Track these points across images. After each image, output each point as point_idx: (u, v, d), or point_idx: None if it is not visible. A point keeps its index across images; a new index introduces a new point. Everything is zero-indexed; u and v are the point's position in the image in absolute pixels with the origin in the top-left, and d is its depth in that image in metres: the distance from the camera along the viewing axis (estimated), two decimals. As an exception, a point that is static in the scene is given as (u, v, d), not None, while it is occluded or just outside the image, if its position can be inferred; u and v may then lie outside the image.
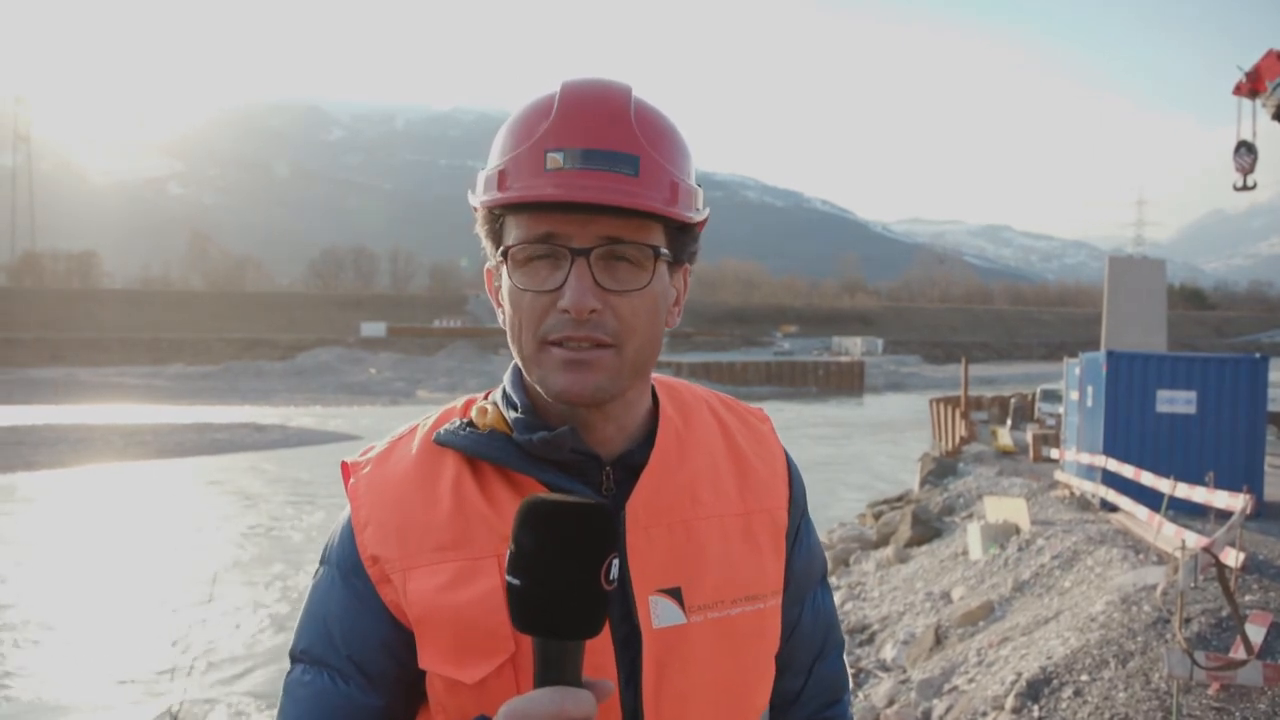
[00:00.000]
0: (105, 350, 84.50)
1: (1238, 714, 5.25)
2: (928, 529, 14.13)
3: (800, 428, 38.57)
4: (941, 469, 19.69)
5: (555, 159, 1.03)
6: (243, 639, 11.30)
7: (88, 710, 9.28)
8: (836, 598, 11.93)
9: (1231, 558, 7.58)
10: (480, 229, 1.12)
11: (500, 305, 1.12)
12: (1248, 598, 7.40)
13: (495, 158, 1.08)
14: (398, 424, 1.23)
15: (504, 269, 1.08)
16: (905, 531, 14.18)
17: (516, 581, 0.88)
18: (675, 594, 1.10)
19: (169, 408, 46.46)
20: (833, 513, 19.06)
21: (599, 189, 1.01)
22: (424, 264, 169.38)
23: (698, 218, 1.10)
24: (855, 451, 31.49)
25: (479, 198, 1.08)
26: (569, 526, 0.88)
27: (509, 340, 1.10)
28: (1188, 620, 6.58)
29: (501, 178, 1.06)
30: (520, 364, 1.11)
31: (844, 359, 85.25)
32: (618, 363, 1.06)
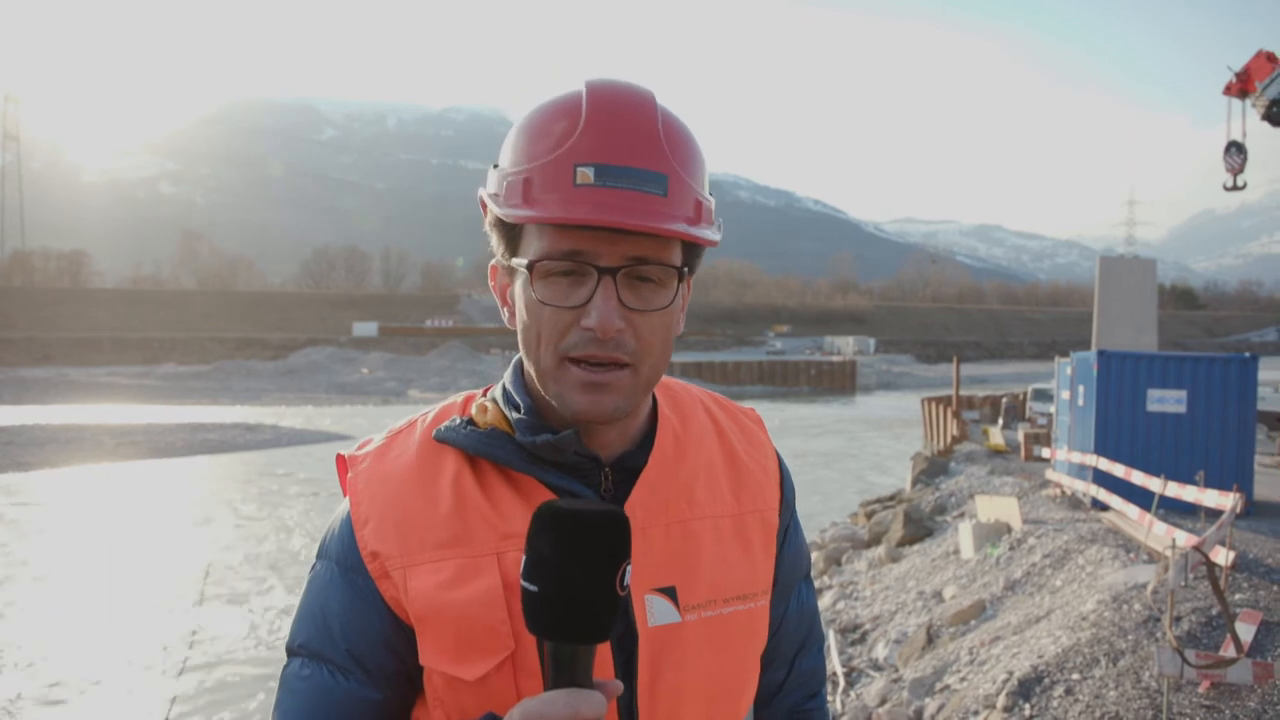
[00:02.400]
0: (96, 350, 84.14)
1: (1228, 712, 5.26)
2: (920, 528, 14.15)
3: (793, 427, 38.61)
4: (933, 468, 19.73)
5: (585, 174, 1.01)
6: (234, 638, 11.27)
7: (80, 710, 9.24)
8: (829, 597, 11.97)
9: (1221, 556, 7.60)
10: (490, 228, 1.10)
11: (508, 304, 1.12)
12: (1238, 596, 7.43)
13: (516, 161, 1.06)
14: (389, 423, 1.23)
15: (520, 276, 1.07)
16: (897, 531, 14.21)
17: (534, 587, 0.89)
18: (670, 593, 1.11)
19: (160, 407, 46.30)
20: (825, 512, 19.08)
21: (630, 211, 1.00)
22: (416, 264, 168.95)
23: (718, 237, 1.10)
24: (848, 451, 31.54)
25: (503, 208, 1.04)
26: (588, 535, 0.89)
27: (522, 348, 1.10)
28: (1178, 618, 6.60)
29: (527, 187, 1.03)
30: (535, 375, 1.10)
31: (836, 359, 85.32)
32: (634, 382, 1.06)
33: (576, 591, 0.88)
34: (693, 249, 1.11)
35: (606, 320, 1.01)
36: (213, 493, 22.59)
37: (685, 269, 1.08)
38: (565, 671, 0.90)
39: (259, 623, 11.84)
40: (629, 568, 0.91)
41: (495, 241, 1.11)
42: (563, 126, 1.04)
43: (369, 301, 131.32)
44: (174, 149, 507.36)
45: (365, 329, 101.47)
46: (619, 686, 0.95)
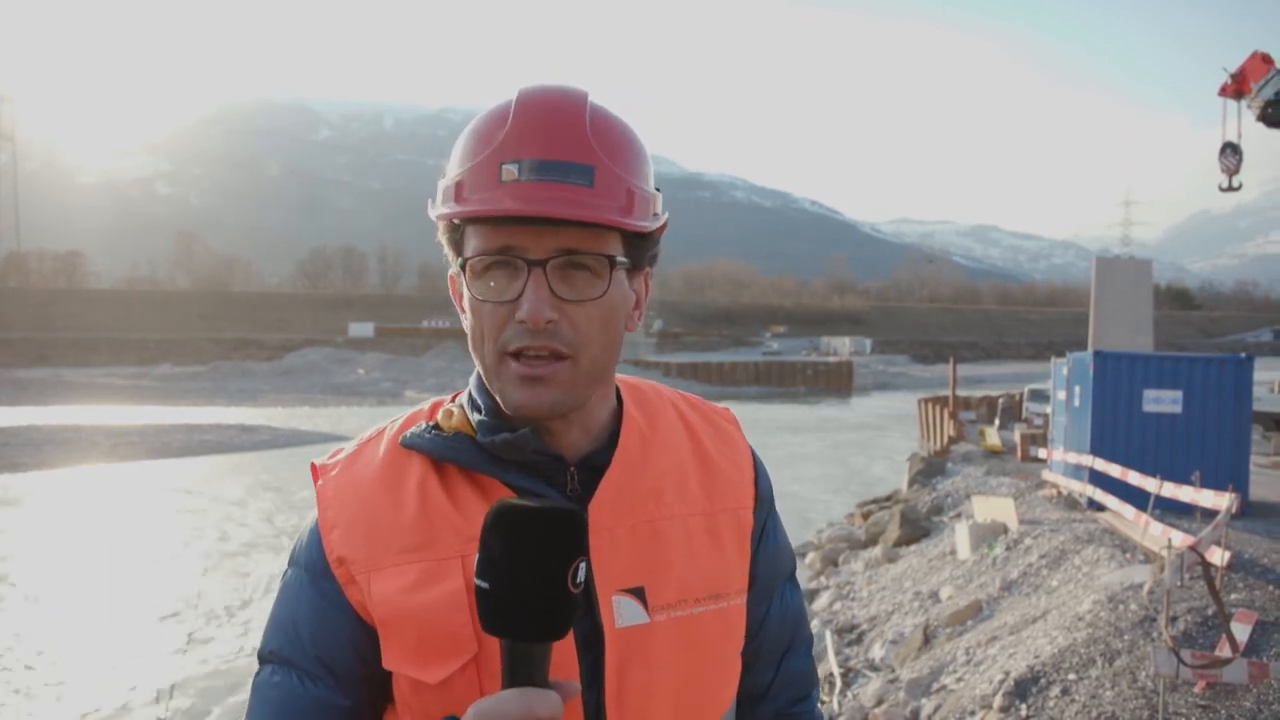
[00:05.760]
0: (92, 350, 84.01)
1: (1223, 712, 5.28)
2: (916, 529, 14.18)
3: (789, 428, 38.64)
4: (930, 469, 19.76)
5: (510, 170, 1.03)
6: (231, 640, 11.26)
7: (74, 711, 9.22)
8: (825, 597, 12.00)
9: (1217, 556, 7.62)
10: (442, 237, 1.12)
11: (464, 312, 1.14)
12: (1233, 596, 7.45)
13: (453, 168, 1.09)
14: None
15: (464, 279, 1.09)
16: (894, 531, 14.23)
17: (485, 585, 0.89)
18: (638, 594, 1.11)
19: (156, 408, 46.26)
20: (822, 512, 19.09)
21: (553, 201, 1.01)
22: (412, 264, 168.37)
23: (653, 226, 1.10)
24: (844, 451, 31.56)
25: (437, 210, 1.08)
26: (537, 531, 0.89)
27: (471, 348, 1.11)
28: (1174, 618, 6.61)
29: (459, 189, 1.06)
30: (482, 374, 1.12)
31: (832, 359, 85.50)
32: (574, 374, 1.07)
33: (525, 589, 0.88)
34: (639, 242, 1.11)
35: (537, 311, 1.02)
36: (209, 494, 22.56)
37: (623, 259, 1.09)
38: (521, 671, 0.90)
39: (254, 626, 11.82)
40: (583, 565, 0.90)
41: (445, 250, 1.13)
42: (493, 130, 1.06)
43: (365, 302, 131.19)
44: (170, 149, 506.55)
45: (361, 329, 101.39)
46: (576, 688, 0.95)
